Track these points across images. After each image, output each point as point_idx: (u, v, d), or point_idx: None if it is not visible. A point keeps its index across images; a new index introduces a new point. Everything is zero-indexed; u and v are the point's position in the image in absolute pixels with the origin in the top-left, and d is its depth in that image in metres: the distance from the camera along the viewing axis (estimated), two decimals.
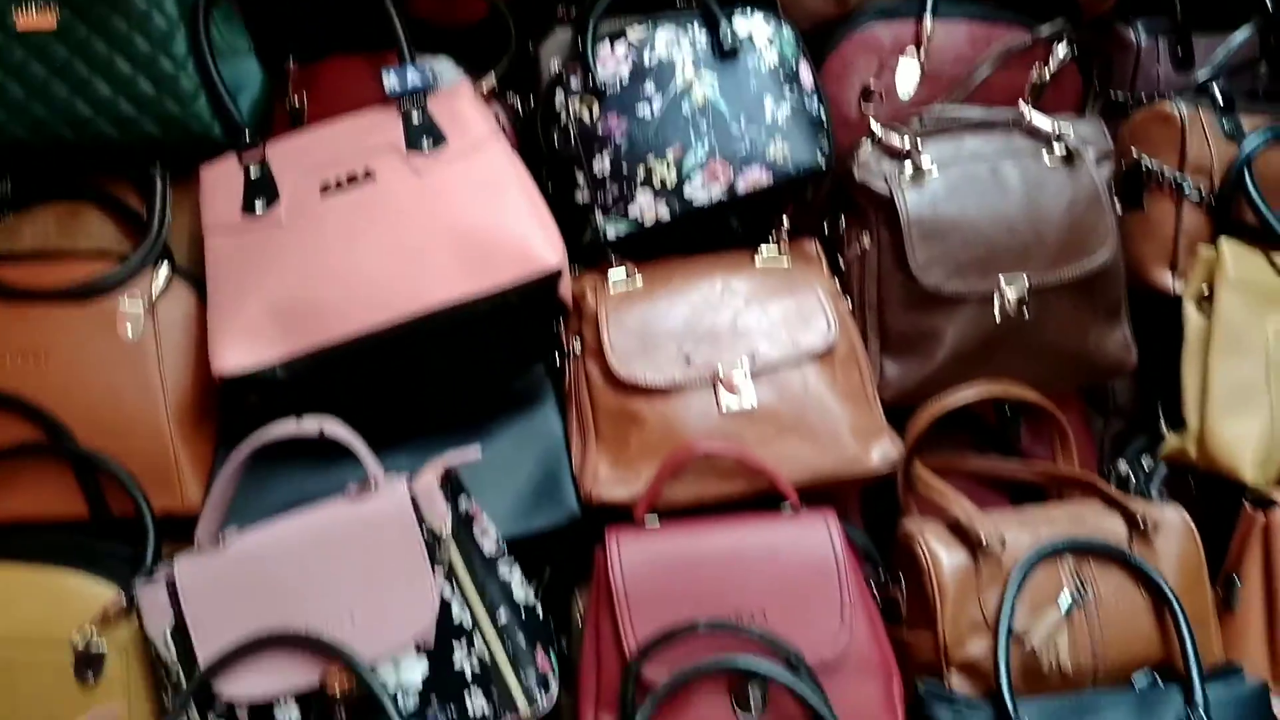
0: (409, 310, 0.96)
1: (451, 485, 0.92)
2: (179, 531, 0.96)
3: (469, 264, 0.97)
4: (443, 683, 0.88)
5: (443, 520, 0.89)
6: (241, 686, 0.87)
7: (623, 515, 1.00)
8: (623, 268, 1.10)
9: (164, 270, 1.02)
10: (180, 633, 0.89)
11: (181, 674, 0.89)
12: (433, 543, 0.89)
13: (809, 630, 0.95)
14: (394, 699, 0.87)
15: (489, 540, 0.93)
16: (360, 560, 0.88)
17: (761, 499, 1.01)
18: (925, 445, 1.12)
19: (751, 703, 0.92)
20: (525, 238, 0.99)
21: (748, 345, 1.05)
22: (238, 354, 0.95)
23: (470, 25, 1.18)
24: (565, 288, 1.04)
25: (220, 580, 0.89)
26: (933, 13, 1.18)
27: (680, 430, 1.02)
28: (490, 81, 1.14)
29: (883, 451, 1.04)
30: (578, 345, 1.08)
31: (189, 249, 1.07)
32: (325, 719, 0.86)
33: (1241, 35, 1.28)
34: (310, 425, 0.92)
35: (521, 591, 0.95)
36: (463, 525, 0.91)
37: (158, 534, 0.96)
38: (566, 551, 1.05)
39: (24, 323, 0.99)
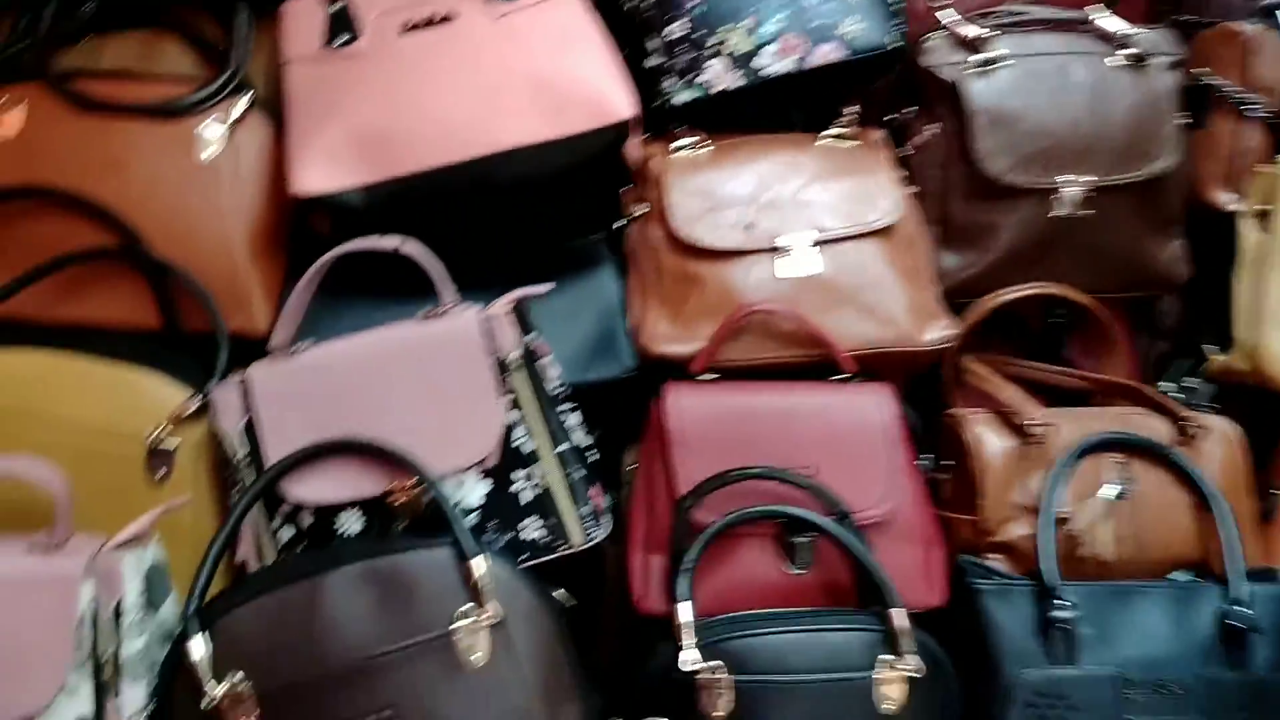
0: (483, 149, 0.96)
1: (521, 318, 0.93)
2: (244, 356, 0.97)
3: (544, 109, 0.98)
4: (501, 507, 0.90)
5: (512, 348, 0.91)
6: (309, 489, 0.88)
7: (676, 376, 1.01)
8: (689, 136, 1.10)
9: (244, 98, 1.03)
10: (251, 433, 0.90)
11: (250, 472, 0.90)
12: (501, 369, 0.90)
13: (857, 490, 0.96)
14: (453, 512, 0.88)
15: (553, 378, 0.94)
16: (430, 380, 0.89)
17: (814, 370, 1.03)
18: (976, 346, 1.13)
19: (798, 555, 0.94)
20: (600, 87, 0.99)
21: (810, 217, 1.06)
22: (317, 176, 0.96)
23: None
24: (633, 146, 1.05)
25: (293, 386, 0.90)
26: None
27: (738, 294, 1.03)
28: None
29: (937, 331, 1.04)
30: (641, 209, 1.09)
31: (266, 87, 1.07)
32: (387, 528, 0.88)
33: None
34: (390, 241, 0.93)
35: (580, 433, 0.96)
36: (530, 358, 0.92)
37: (231, 346, 0.97)
38: (617, 411, 1.06)
39: (103, 135, 0.98)
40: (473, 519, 0.89)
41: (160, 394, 0.92)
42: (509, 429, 0.90)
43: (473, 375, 0.89)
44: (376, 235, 0.93)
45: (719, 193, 1.06)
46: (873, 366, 1.04)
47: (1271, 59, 1.19)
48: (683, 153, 1.09)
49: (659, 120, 1.11)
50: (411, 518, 0.87)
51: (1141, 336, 1.26)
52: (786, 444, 0.96)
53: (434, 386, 0.89)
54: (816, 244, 1.04)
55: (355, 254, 0.95)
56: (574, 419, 0.96)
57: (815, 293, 1.03)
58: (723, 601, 0.90)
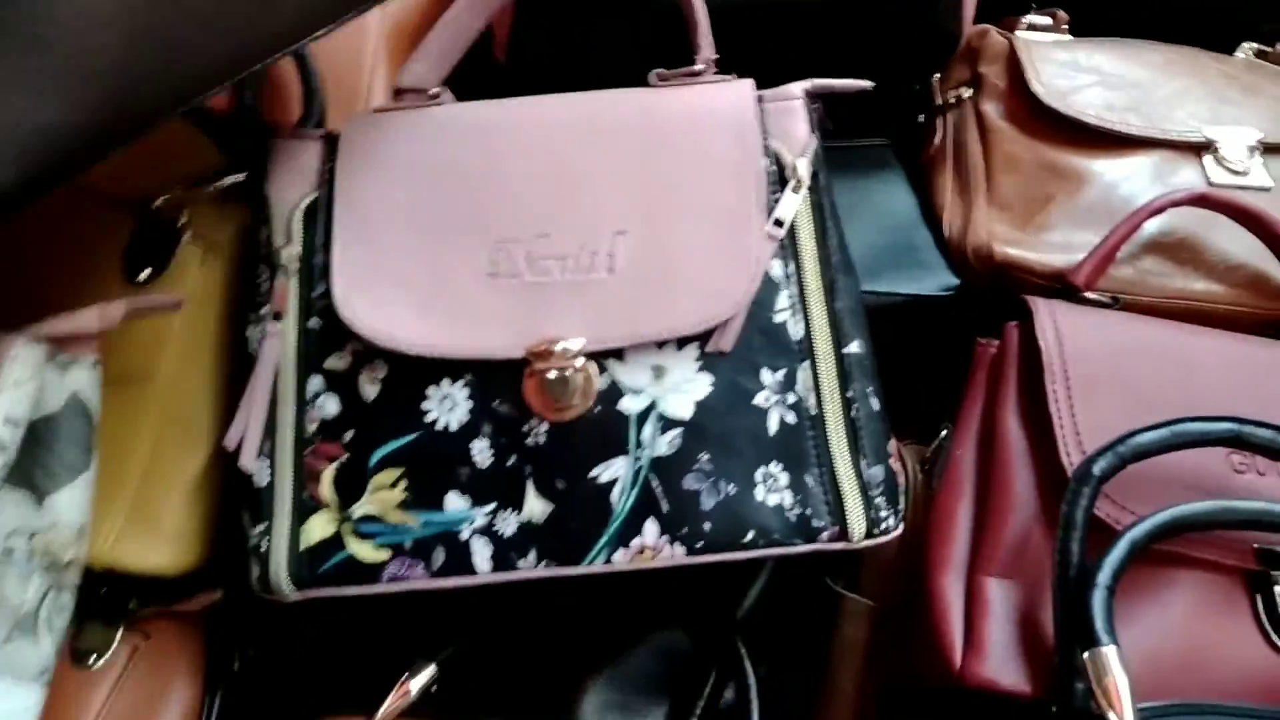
0: None
1: (818, 118, 0.52)
2: None
3: None
4: (724, 430, 0.47)
5: (801, 149, 0.50)
6: (389, 320, 0.48)
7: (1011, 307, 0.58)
8: (1044, 18, 0.73)
9: None
10: (315, 218, 0.51)
11: (297, 278, 0.50)
12: (776, 179, 0.50)
13: None
14: (639, 425, 0.47)
15: (841, 230, 0.52)
16: (652, 171, 0.49)
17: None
18: None
19: None
20: None
21: (1247, 117, 0.65)
22: None
23: None
24: (970, 8, 0.69)
25: (416, 148, 0.51)
26: None
27: (1140, 199, 0.61)
28: None
29: None
30: (967, 91, 0.71)
31: None
32: (508, 430, 0.47)
33: None
34: None
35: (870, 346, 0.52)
36: (820, 180, 0.51)
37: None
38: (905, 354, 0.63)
39: None
40: (669, 441, 0.47)
41: (189, 143, 0.54)
42: (769, 288, 0.49)
43: (724, 179, 0.49)
44: None
45: (1104, 69, 0.67)
46: None
47: None
48: (1035, 32, 0.72)
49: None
50: (554, 415, 0.47)
51: None
52: (1247, 411, 0.51)
53: (659, 186, 0.49)
54: (1260, 150, 0.64)
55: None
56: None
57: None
58: (1150, 679, 0.44)
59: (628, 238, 0.49)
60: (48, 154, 0.41)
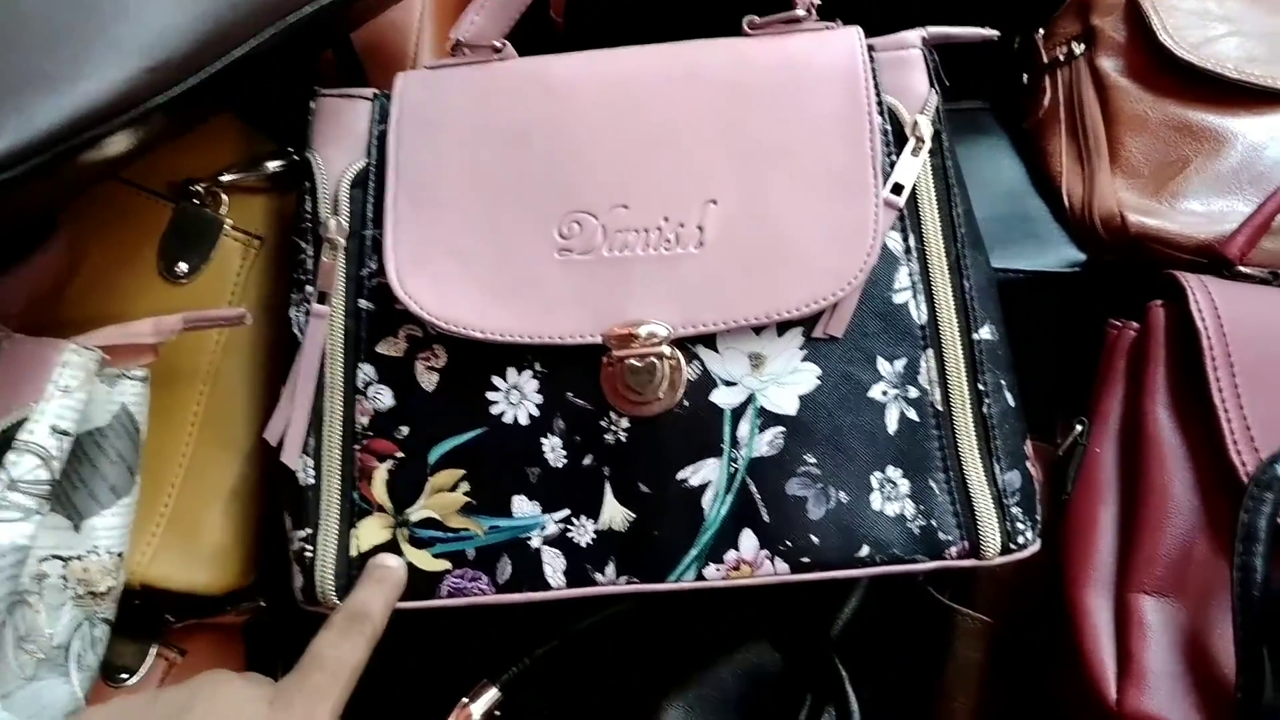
0: None
1: (935, 70, 0.44)
2: None
3: None
4: (835, 428, 0.40)
5: (920, 107, 0.42)
6: (449, 301, 0.41)
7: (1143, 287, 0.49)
8: None
9: None
10: (366, 186, 0.44)
11: (344, 256, 0.43)
12: (892, 139, 0.42)
13: None
14: (734, 422, 0.39)
15: (967, 197, 0.44)
16: (747, 130, 0.42)
17: None
18: None
19: None
20: None
21: None
22: None
23: None
24: None
25: (478, 109, 0.43)
26: None
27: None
28: None
29: None
30: (1079, 47, 0.62)
31: None
32: (584, 426, 0.40)
33: None
34: None
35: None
36: (942, 142, 0.43)
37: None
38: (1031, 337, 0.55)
39: None
40: (769, 440, 0.39)
41: (231, 134, 0.48)
42: (889, 264, 0.41)
43: (834, 138, 0.41)
44: None
45: (1237, 18, 0.58)
46: None
47: None
48: None
49: None
50: (639, 411, 0.39)
51: None
52: None
53: (747, 146, 0.41)
54: None
55: None
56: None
57: None
58: None
59: (720, 207, 0.41)
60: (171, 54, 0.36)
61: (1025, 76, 0.65)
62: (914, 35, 0.44)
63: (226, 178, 0.46)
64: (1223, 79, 0.55)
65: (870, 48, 0.43)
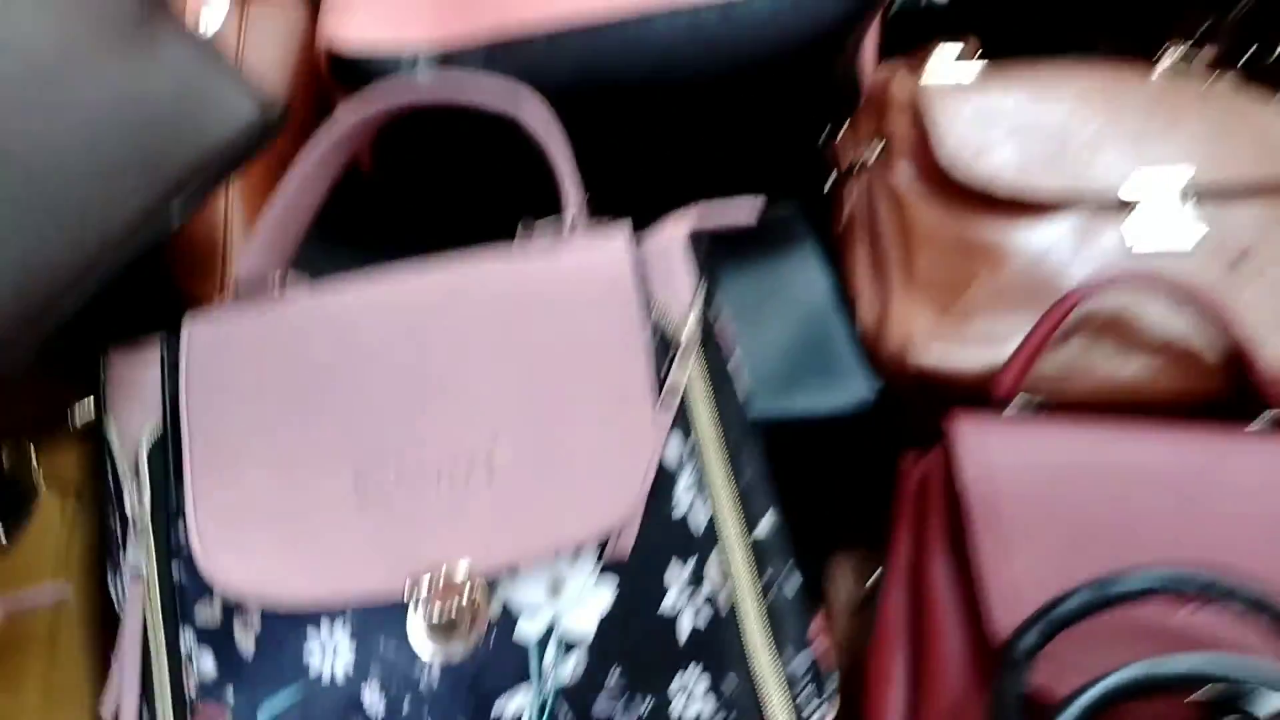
0: (638, 5, 0.53)
1: (702, 262, 0.46)
2: None
3: None
4: (634, 641, 0.41)
5: (684, 308, 0.44)
6: (256, 570, 0.41)
7: (942, 405, 0.51)
8: (953, 50, 0.66)
9: None
10: (165, 449, 0.44)
11: (150, 527, 0.43)
12: (662, 348, 0.43)
13: None
14: (539, 653, 0.41)
15: (742, 385, 0.46)
16: (525, 359, 0.43)
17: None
18: None
19: None
20: None
21: (1176, 153, 0.58)
22: (370, 21, 0.52)
23: None
24: (869, 53, 0.61)
25: (263, 360, 0.44)
26: None
27: (1063, 271, 0.55)
28: None
29: None
30: (875, 152, 0.63)
31: None
32: (399, 674, 0.41)
33: None
34: (489, 84, 0.47)
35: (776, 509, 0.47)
36: (712, 339, 0.45)
37: (175, 294, 0.52)
38: (823, 472, 0.58)
39: None
40: (572, 666, 0.41)
41: (30, 386, 0.47)
42: (666, 477, 0.42)
43: (605, 357, 0.42)
44: (465, 72, 0.49)
45: (1015, 118, 0.60)
46: None
47: None
48: (944, 67, 0.64)
49: (903, 34, 0.67)
50: (446, 659, 0.40)
51: None
52: (1188, 530, 0.46)
53: (532, 373, 0.43)
54: (1189, 196, 0.57)
55: (408, 131, 0.51)
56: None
57: (1201, 278, 0.55)
58: None
59: (506, 439, 0.42)
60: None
61: (830, 181, 0.66)
62: (680, 232, 0.45)
63: (30, 435, 0.47)
64: (994, 196, 0.57)
65: (638, 247, 0.44)
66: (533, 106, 0.47)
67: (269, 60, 0.61)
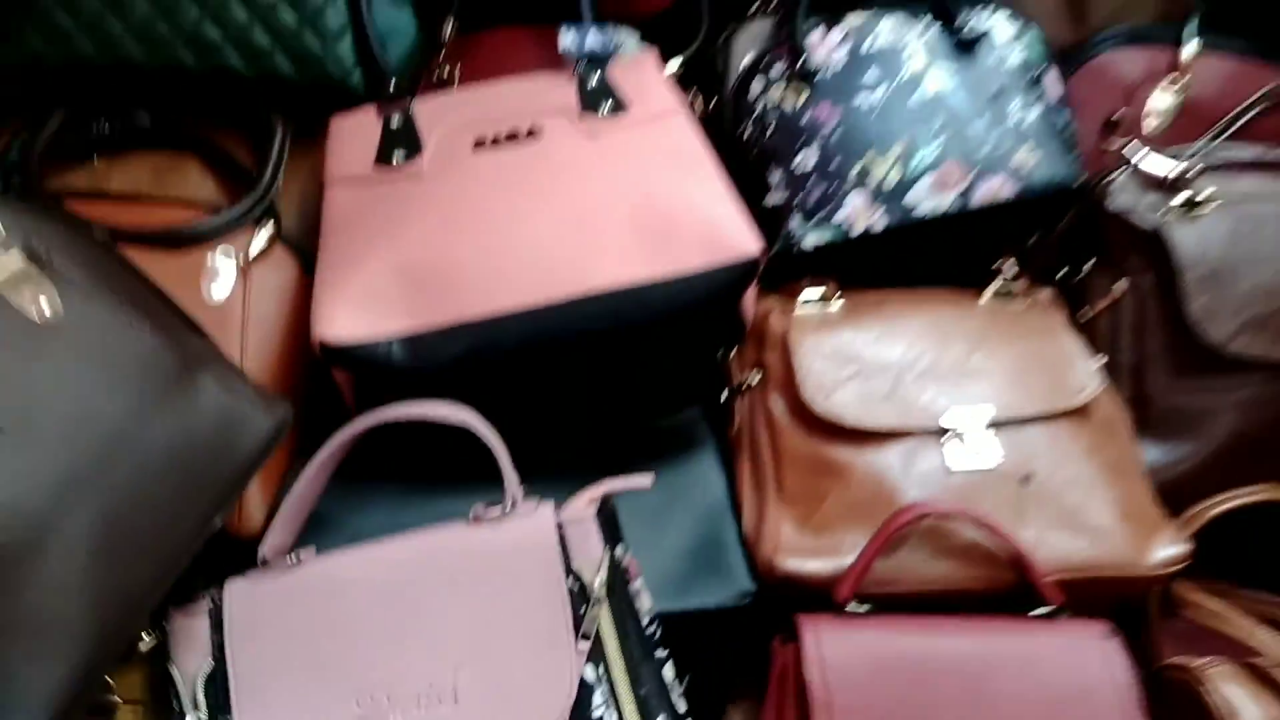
0: (570, 291, 0.68)
1: (608, 523, 0.62)
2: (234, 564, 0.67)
3: (651, 242, 0.69)
4: None
5: (595, 568, 0.59)
6: None
7: (808, 598, 0.68)
8: (818, 289, 0.82)
9: (267, 229, 0.77)
10: (217, 683, 0.59)
11: None
12: (579, 597, 0.59)
13: None
14: None
15: (645, 611, 0.62)
16: (478, 608, 0.58)
17: (1005, 599, 0.70)
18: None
19: None
20: (717, 219, 0.71)
21: (984, 391, 0.75)
22: (350, 320, 0.67)
23: (654, 14, 0.96)
24: (750, 301, 0.77)
25: (286, 614, 0.59)
26: (1198, 39, 0.93)
27: (898, 489, 0.71)
28: (674, 67, 0.90)
29: (1166, 549, 0.71)
30: (756, 377, 0.79)
31: (299, 219, 0.81)
32: None
33: None
34: (436, 408, 0.63)
35: (678, 697, 0.62)
36: (619, 580, 0.61)
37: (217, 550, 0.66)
38: (717, 647, 0.73)
39: None
40: None
41: None
42: (586, 690, 0.57)
43: (539, 608, 0.58)
44: (417, 401, 0.65)
45: (862, 356, 0.76)
46: (1074, 595, 0.72)
47: None
48: (810, 307, 0.81)
49: (777, 270, 0.84)
50: None
51: None
52: (978, 712, 0.62)
53: (484, 620, 0.58)
54: (993, 426, 0.74)
55: (387, 430, 0.66)
56: (670, 671, 0.62)
57: (1000, 492, 0.72)
58: None
59: (465, 671, 0.57)
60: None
61: (724, 395, 0.82)
62: (589, 507, 0.60)
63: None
64: (842, 426, 0.73)
65: (560, 525, 0.60)
66: (479, 421, 0.63)
67: (270, 317, 0.76)
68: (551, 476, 0.71)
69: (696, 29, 0.94)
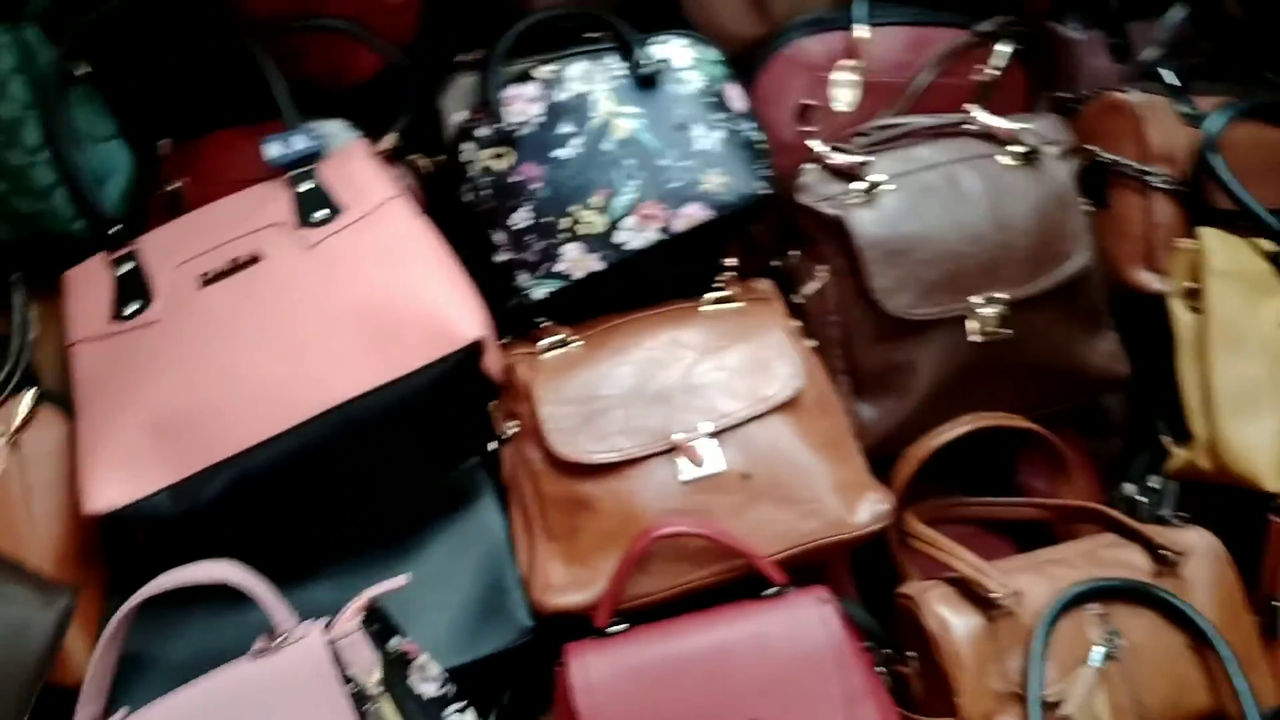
0: (310, 410, 0.74)
1: (378, 624, 0.70)
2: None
3: (376, 346, 0.76)
4: None
5: (370, 670, 0.67)
6: None
7: (584, 623, 0.79)
8: (556, 334, 0.90)
9: (28, 397, 0.80)
10: None
11: None
12: (360, 698, 0.67)
13: None
14: None
15: (430, 683, 0.71)
16: None
17: (747, 581, 0.81)
18: (914, 494, 0.93)
19: None
20: (437, 309, 0.78)
21: (705, 403, 0.85)
22: (113, 487, 0.73)
23: (365, 81, 0.98)
24: (493, 361, 0.84)
25: None
26: (867, 19, 1.00)
27: (640, 511, 0.81)
28: (391, 140, 0.94)
29: (872, 508, 0.84)
30: (513, 427, 0.88)
31: (60, 373, 0.83)
32: None
33: (1177, 14, 1.13)
34: (197, 572, 0.70)
35: None
36: (395, 671, 0.69)
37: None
38: (525, 669, 0.82)
39: None
40: None
41: None
42: None
43: (326, 717, 0.66)
44: (179, 568, 0.71)
45: (597, 395, 0.85)
46: (811, 560, 0.84)
47: (1164, 125, 1.02)
48: (551, 354, 0.89)
49: (521, 318, 0.91)
50: None
51: (1092, 440, 1.08)
52: (723, 698, 0.74)
53: None
54: (715, 434, 0.84)
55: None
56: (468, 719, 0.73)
57: (727, 491, 0.82)
58: None
59: None
60: None
61: (493, 444, 0.90)
62: (353, 619, 0.68)
63: None
64: (586, 463, 0.82)
65: (331, 646, 0.67)
66: (238, 572, 0.70)
67: (51, 481, 0.80)
68: (350, 557, 0.81)
69: (408, 93, 0.97)
